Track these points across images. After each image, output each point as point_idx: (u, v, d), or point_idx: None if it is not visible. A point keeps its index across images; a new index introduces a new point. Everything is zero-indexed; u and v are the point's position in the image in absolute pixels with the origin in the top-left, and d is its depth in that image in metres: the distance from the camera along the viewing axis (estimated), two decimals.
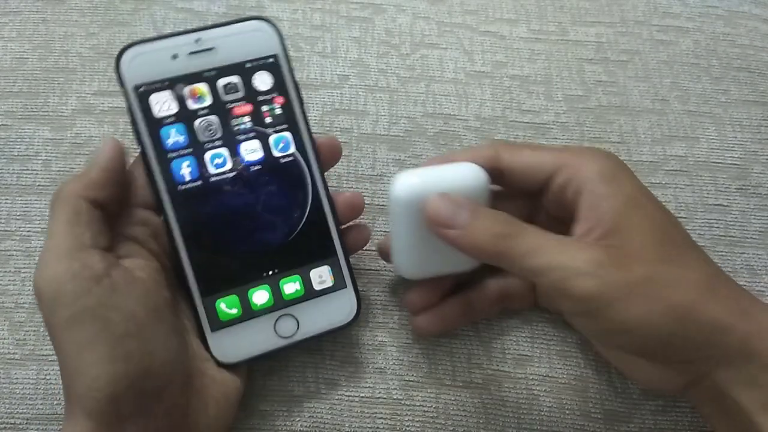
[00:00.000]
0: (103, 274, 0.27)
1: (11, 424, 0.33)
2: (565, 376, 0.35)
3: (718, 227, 0.40)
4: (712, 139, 0.43)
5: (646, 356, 0.29)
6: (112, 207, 0.29)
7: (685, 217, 0.40)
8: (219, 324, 0.31)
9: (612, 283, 0.26)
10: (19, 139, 0.40)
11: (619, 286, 0.26)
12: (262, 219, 0.32)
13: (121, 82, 0.30)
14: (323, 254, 0.33)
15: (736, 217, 0.40)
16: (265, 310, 0.32)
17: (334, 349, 0.35)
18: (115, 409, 0.25)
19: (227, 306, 0.32)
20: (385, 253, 0.35)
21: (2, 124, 0.40)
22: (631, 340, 0.27)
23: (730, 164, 0.42)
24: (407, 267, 0.33)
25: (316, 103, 0.42)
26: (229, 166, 0.32)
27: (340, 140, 0.33)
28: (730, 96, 0.44)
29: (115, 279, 0.27)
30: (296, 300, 0.33)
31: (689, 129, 0.43)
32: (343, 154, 0.34)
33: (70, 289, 0.26)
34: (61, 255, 0.26)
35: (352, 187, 0.39)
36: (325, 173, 0.33)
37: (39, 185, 0.38)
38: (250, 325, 0.32)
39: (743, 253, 0.39)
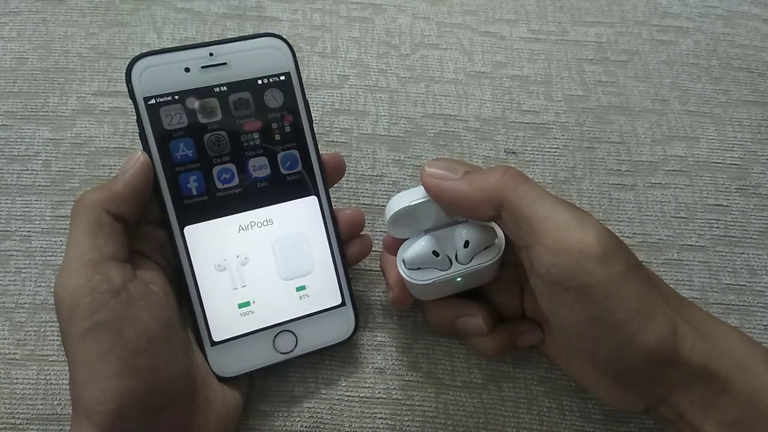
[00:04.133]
0: (121, 288, 0.27)
1: (11, 424, 0.33)
2: (564, 376, 0.35)
3: (718, 227, 0.40)
4: (712, 139, 0.43)
5: (615, 367, 0.27)
6: (132, 222, 0.29)
7: (685, 217, 0.40)
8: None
9: (609, 266, 0.25)
10: (19, 139, 0.40)
11: (616, 271, 0.25)
12: None
13: (131, 92, 0.30)
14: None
15: (736, 217, 0.40)
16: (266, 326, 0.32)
17: (334, 349, 0.35)
18: (120, 423, 0.26)
19: None
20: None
21: (2, 124, 0.40)
22: (611, 340, 0.26)
23: (730, 164, 0.42)
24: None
25: (316, 103, 0.42)
26: (236, 182, 0.32)
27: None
28: (730, 96, 0.44)
29: (132, 292, 0.27)
30: (296, 316, 0.33)
31: (689, 129, 0.43)
32: (343, 154, 0.34)
33: (88, 302, 0.26)
34: (82, 266, 0.27)
35: (351, 187, 0.39)
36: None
37: (39, 185, 0.38)
38: (250, 340, 0.32)
39: (743, 253, 0.39)
